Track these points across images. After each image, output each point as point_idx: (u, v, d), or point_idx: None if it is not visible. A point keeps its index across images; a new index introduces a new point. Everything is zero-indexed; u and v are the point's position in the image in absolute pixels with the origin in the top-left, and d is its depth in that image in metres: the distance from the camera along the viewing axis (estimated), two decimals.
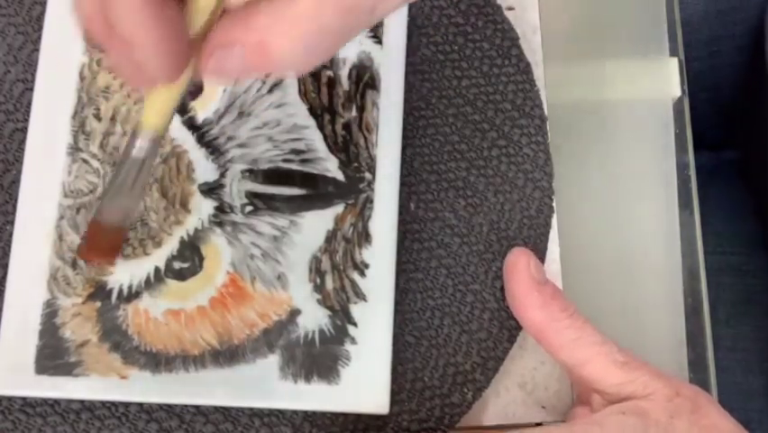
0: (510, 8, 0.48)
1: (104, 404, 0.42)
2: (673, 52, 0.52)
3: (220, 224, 0.43)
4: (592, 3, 0.52)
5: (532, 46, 0.48)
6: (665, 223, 0.49)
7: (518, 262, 0.42)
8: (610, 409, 0.39)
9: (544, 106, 0.47)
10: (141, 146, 0.35)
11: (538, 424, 0.45)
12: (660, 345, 0.48)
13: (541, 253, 0.45)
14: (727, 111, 0.58)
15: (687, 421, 0.38)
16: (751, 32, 0.61)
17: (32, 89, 0.44)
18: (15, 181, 0.44)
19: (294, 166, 0.44)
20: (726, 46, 0.57)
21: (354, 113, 0.45)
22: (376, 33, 0.46)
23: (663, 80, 0.51)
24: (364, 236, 0.44)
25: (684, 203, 0.49)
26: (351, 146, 0.45)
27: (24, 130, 0.44)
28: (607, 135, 0.50)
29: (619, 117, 0.51)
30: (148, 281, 0.43)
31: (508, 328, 0.44)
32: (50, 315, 0.42)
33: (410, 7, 0.46)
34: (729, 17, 0.57)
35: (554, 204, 0.46)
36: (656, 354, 0.47)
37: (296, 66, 0.31)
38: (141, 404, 0.42)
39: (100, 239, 0.39)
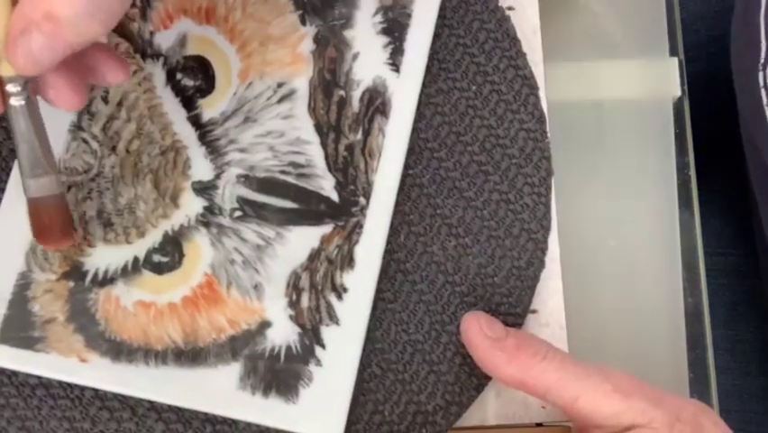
0: (510, 8, 0.48)
1: (60, 384, 0.42)
2: (673, 52, 0.51)
3: (206, 224, 0.43)
4: (592, 3, 0.52)
5: (532, 46, 0.48)
6: (665, 223, 0.49)
7: (470, 329, 0.41)
8: None
9: (551, 144, 0.46)
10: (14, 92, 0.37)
11: (538, 424, 0.44)
12: (660, 346, 0.47)
13: (524, 306, 0.44)
14: (727, 111, 0.57)
15: None
16: None
17: None
18: (13, 151, 0.44)
19: (290, 179, 0.44)
20: (725, 46, 0.56)
21: (360, 136, 0.45)
22: (395, 61, 0.45)
23: (663, 80, 0.51)
24: (348, 260, 0.43)
25: (684, 203, 0.49)
26: (350, 168, 0.44)
27: None
28: (607, 135, 0.50)
29: (619, 117, 0.50)
30: (125, 269, 0.43)
31: (478, 377, 0.43)
32: (23, 287, 0.42)
33: (433, 40, 0.46)
34: (727, 17, 0.57)
35: (546, 258, 0.45)
36: (656, 354, 0.47)
37: (90, 27, 0.34)
38: (96, 390, 0.42)
39: (42, 219, 0.40)
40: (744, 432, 0.39)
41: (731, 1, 0.56)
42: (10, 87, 0.37)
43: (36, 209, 0.39)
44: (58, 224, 0.40)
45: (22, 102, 0.37)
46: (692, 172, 0.49)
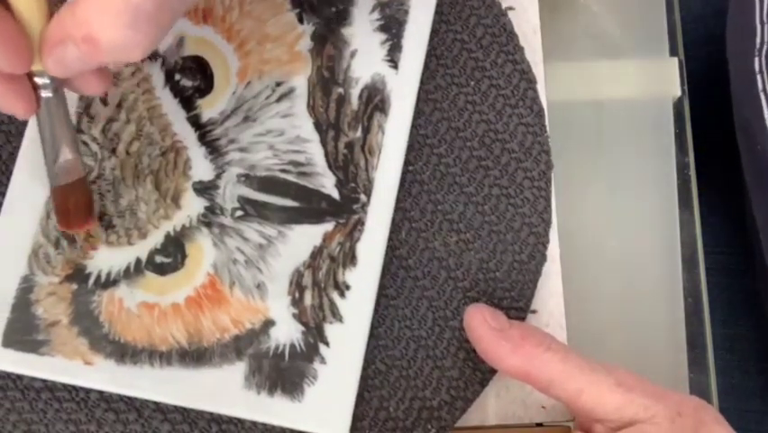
0: (510, 8, 0.48)
1: (65, 387, 0.42)
2: (673, 52, 0.51)
3: (208, 224, 0.43)
4: (592, 3, 0.52)
5: (532, 46, 0.48)
6: (665, 223, 0.49)
7: (474, 321, 0.41)
8: None
9: (551, 153, 0.46)
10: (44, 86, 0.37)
11: (538, 424, 0.44)
12: (660, 345, 0.48)
13: (526, 300, 0.44)
14: (727, 110, 0.57)
15: None
16: None
17: None
18: (14, 154, 0.44)
19: (291, 177, 0.44)
20: (725, 46, 0.56)
21: (359, 133, 0.45)
22: (393, 58, 0.45)
23: (663, 80, 0.51)
24: (350, 258, 0.43)
25: (684, 203, 0.49)
26: (350, 166, 0.44)
27: None
28: (607, 135, 0.50)
29: (619, 117, 0.50)
30: (127, 271, 0.43)
31: (482, 371, 0.43)
32: (26, 290, 0.42)
33: (431, 36, 0.46)
34: (726, 17, 0.57)
35: (548, 252, 0.45)
36: (656, 354, 0.47)
37: (128, 51, 0.33)
38: (101, 392, 0.42)
39: (68, 204, 0.40)
40: (743, 431, 0.39)
41: (728, 0, 0.56)
42: (38, 80, 0.37)
43: (63, 195, 0.40)
44: (82, 207, 0.41)
45: (50, 94, 0.38)
46: (692, 172, 0.49)
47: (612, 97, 0.50)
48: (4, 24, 0.33)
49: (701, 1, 0.64)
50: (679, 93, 0.51)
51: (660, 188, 0.49)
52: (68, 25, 0.33)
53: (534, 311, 0.45)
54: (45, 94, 0.38)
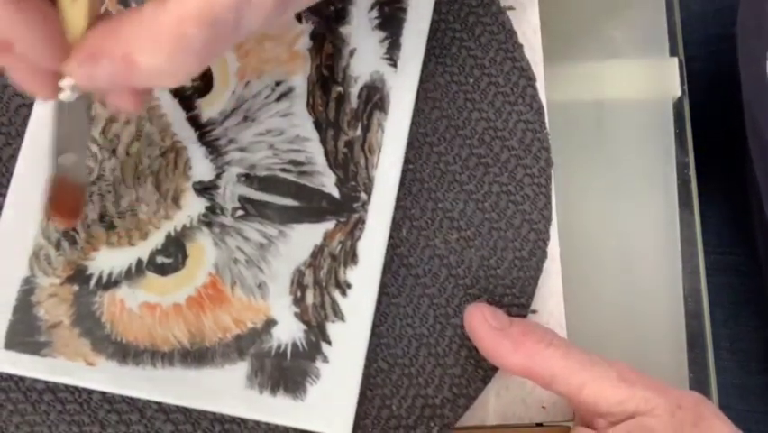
0: (510, 8, 0.48)
1: (67, 388, 0.42)
2: (673, 52, 0.51)
3: (209, 224, 0.43)
4: (592, 3, 0.52)
5: (532, 46, 0.48)
6: (665, 223, 0.49)
7: (474, 321, 0.41)
8: (617, 429, 0.38)
9: (551, 144, 0.46)
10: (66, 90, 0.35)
11: (538, 424, 0.44)
12: (660, 345, 0.48)
13: (527, 297, 0.44)
14: (727, 110, 0.57)
15: None
16: None
17: None
18: (14, 156, 0.44)
19: (291, 177, 0.44)
20: (725, 45, 0.56)
21: (359, 132, 0.45)
22: (392, 56, 0.45)
23: (663, 80, 0.51)
24: (351, 256, 0.43)
25: (684, 203, 0.49)
26: (350, 164, 0.44)
27: (30, 106, 0.44)
28: (607, 135, 0.50)
29: (619, 117, 0.50)
30: (128, 272, 0.43)
31: (484, 368, 0.43)
32: (27, 292, 0.42)
33: (430, 35, 0.46)
34: (727, 16, 0.57)
35: (548, 249, 0.45)
36: (656, 354, 0.47)
37: (163, 79, 0.32)
38: (104, 393, 0.42)
39: (63, 195, 0.40)
40: (744, 431, 0.39)
41: (731, 0, 0.56)
42: (63, 81, 0.35)
43: (57, 185, 0.39)
44: (70, 205, 0.40)
45: (73, 98, 0.36)
46: (692, 172, 0.49)
47: (612, 97, 0.51)
48: (46, 18, 0.32)
49: (701, 1, 0.64)
50: (679, 93, 0.51)
51: (660, 188, 0.49)
52: (108, 40, 0.32)
53: (534, 311, 0.45)
54: (65, 97, 0.36)
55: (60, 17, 0.33)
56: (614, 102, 0.50)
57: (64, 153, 0.39)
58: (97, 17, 0.33)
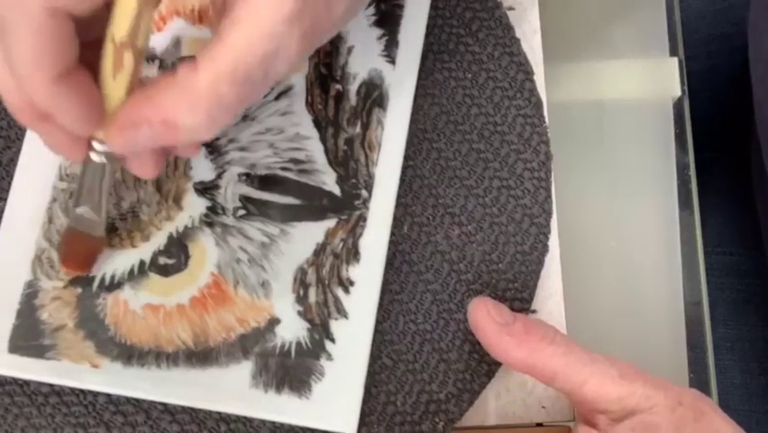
0: (510, 8, 0.48)
1: (72, 391, 0.42)
2: (673, 52, 0.51)
3: (210, 224, 0.43)
4: (592, 3, 0.52)
5: (532, 46, 0.48)
6: (665, 223, 0.49)
7: (478, 315, 0.41)
8: (619, 427, 0.38)
9: (551, 144, 0.46)
10: (99, 152, 0.37)
11: (538, 424, 0.44)
12: (660, 345, 0.48)
13: (530, 291, 0.44)
14: (727, 110, 0.57)
15: (691, 431, 0.37)
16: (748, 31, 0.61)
17: None
18: (14, 159, 0.44)
19: (291, 175, 0.44)
20: (725, 45, 0.56)
21: (359, 129, 0.45)
22: (390, 53, 0.45)
23: (663, 80, 0.51)
24: (353, 254, 0.43)
25: (684, 203, 0.49)
26: (351, 162, 0.44)
27: None
28: (607, 135, 0.50)
29: (619, 117, 0.50)
30: (131, 273, 0.43)
31: (488, 363, 0.43)
32: (30, 295, 0.42)
33: (428, 31, 0.46)
34: (726, 16, 0.57)
35: (550, 242, 0.45)
36: (656, 354, 0.47)
37: (201, 134, 0.34)
38: (109, 395, 0.42)
39: (76, 246, 0.41)
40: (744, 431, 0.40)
41: (731, 0, 0.56)
42: (97, 145, 0.37)
43: (72, 238, 0.41)
44: (87, 258, 0.42)
45: (104, 160, 0.38)
46: (692, 172, 0.49)
47: (612, 97, 0.51)
48: (84, 88, 0.34)
49: (701, 1, 0.64)
50: (679, 93, 0.51)
51: (660, 188, 0.49)
52: (146, 108, 0.34)
53: (534, 311, 0.45)
54: (97, 158, 0.37)
55: (100, 89, 0.35)
56: (614, 102, 0.50)
57: (83, 206, 0.40)
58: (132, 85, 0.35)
